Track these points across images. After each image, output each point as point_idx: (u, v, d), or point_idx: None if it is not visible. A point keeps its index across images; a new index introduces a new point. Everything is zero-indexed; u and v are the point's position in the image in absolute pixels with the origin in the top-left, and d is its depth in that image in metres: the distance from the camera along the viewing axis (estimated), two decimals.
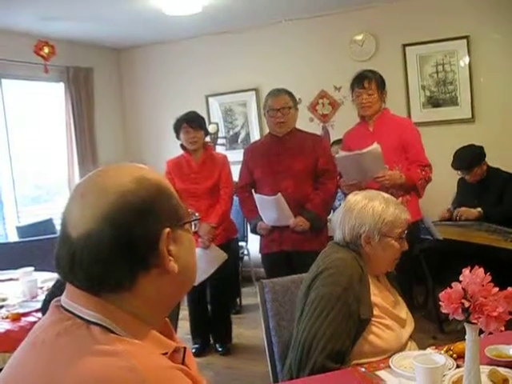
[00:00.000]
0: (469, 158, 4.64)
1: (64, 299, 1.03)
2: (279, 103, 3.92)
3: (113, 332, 0.96)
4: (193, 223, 1.13)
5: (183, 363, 1.05)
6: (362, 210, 2.14)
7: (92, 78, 6.55)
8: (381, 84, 3.82)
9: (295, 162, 3.89)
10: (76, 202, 1.02)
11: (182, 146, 4.45)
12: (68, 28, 5.76)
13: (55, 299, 1.07)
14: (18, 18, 5.19)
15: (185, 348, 1.08)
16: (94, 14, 5.39)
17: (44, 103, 6.31)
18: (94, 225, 0.96)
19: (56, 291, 2.52)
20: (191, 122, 4.33)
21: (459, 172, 4.76)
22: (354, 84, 3.85)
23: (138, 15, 5.52)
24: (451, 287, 1.55)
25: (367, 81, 3.77)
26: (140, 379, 0.88)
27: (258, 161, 4.05)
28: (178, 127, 4.39)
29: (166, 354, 1.01)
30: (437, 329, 4.44)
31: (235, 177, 4.37)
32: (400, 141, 3.75)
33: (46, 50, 5.68)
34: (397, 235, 2.13)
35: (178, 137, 4.43)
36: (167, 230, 1.01)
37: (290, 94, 4.02)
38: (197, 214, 1.17)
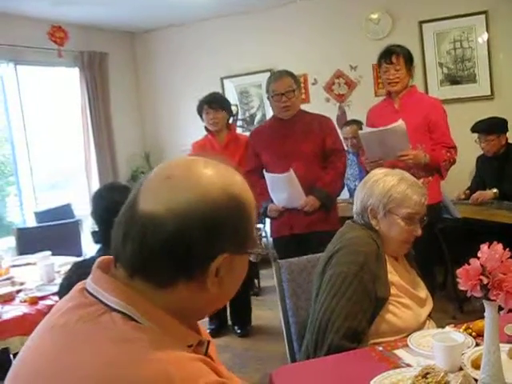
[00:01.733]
0: (489, 123, 4.62)
1: (90, 283, 1.01)
2: (283, 87, 3.83)
3: (136, 321, 0.94)
4: (253, 255, 1.09)
5: (206, 355, 1.04)
6: (374, 183, 2.12)
7: (107, 62, 6.54)
8: (408, 59, 3.73)
9: (303, 144, 3.84)
10: (159, 180, 0.99)
11: (206, 128, 4.48)
12: (82, 12, 5.74)
13: (80, 282, 1.05)
14: (31, 4, 5.18)
15: (209, 341, 1.07)
16: None
17: (59, 89, 6.31)
18: (163, 211, 0.94)
19: (73, 275, 2.53)
20: (211, 103, 4.35)
21: (477, 139, 4.70)
22: (381, 59, 3.76)
23: None
24: (469, 264, 1.51)
25: (395, 56, 3.69)
26: (163, 370, 0.87)
27: (265, 144, 3.99)
28: (200, 109, 4.42)
29: (191, 346, 1.00)
30: (456, 309, 4.40)
31: None
32: (426, 120, 3.66)
33: (59, 35, 5.68)
34: (404, 215, 2.06)
35: (202, 119, 4.45)
36: (226, 255, 0.98)
37: (293, 76, 3.93)
38: (263, 246, 1.12)
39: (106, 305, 0.96)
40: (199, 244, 0.95)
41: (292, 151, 3.83)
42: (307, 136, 3.85)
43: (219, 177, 1.00)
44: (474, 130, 4.69)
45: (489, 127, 4.62)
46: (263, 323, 4.72)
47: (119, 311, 0.95)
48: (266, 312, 4.91)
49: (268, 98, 4.03)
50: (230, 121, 4.60)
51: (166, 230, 0.93)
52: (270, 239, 4.23)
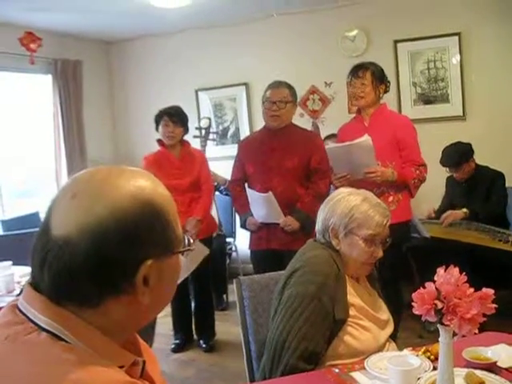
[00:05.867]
0: (457, 154, 4.59)
1: (21, 300, 0.97)
2: (277, 96, 3.76)
3: (66, 341, 0.90)
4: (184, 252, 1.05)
5: (142, 376, 1.00)
6: (337, 202, 2.09)
7: (81, 70, 6.45)
8: (378, 77, 3.73)
9: (287, 158, 3.74)
10: (65, 200, 0.95)
11: (159, 141, 4.37)
12: (56, 19, 5.68)
13: (13, 299, 1.01)
14: (3, 8, 5.10)
15: (144, 361, 1.02)
16: (83, 6, 5.30)
17: (32, 95, 6.22)
18: (75, 232, 0.90)
19: None
20: (172, 116, 4.25)
21: (447, 169, 4.71)
22: (350, 74, 3.80)
23: (127, 7, 5.45)
24: (425, 287, 1.50)
25: (362, 70, 3.70)
26: None
27: (251, 156, 3.91)
28: (158, 119, 4.31)
29: (123, 367, 0.95)
30: (423, 328, 4.39)
31: (225, 173, 4.32)
32: (395, 138, 3.67)
33: (27, 41, 5.61)
34: (366, 236, 2.02)
35: (157, 129, 4.35)
36: (149, 262, 0.94)
37: (291, 89, 3.85)
38: (191, 241, 1.07)
39: (36, 324, 0.92)
40: (118, 257, 0.91)
41: (275, 165, 3.76)
42: (293, 151, 3.75)
43: (126, 184, 0.96)
44: (443, 164, 4.66)
45: (457, 161, 4.59)
46: (230, 338, 4.66)
47: (48, 331, 0.91)
48: (234, 327, 4.82)
49: (262, 104, 3.89)
50: (197, 133, 4.52)
51: (81, 251, 0.90)
52: (248, 251, 4.14)
